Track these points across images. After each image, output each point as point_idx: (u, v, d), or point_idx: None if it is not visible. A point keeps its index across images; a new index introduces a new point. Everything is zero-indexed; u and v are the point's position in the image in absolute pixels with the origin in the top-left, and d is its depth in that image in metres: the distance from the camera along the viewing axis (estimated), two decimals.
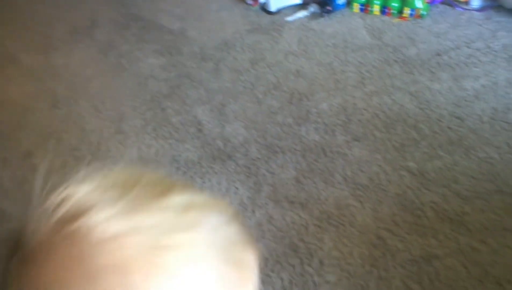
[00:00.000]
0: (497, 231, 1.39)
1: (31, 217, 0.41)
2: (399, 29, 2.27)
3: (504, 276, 1.28)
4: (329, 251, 1.40)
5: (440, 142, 1.69)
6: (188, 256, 0.40)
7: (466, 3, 2.34)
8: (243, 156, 1.74)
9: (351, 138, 1.74)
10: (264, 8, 2.51)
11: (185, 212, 0.41)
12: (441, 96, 1.87)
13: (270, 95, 1.98)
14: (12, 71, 2.32)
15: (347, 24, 2.37)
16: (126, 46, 2.42)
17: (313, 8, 2.44)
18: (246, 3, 2.57)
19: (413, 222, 1.44)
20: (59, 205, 0.41)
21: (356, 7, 2.43)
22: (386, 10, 2.37)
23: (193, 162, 1.73)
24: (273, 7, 2.47)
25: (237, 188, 1.63)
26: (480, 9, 2.31)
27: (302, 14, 2.45)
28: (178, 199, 0.42)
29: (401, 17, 2.35)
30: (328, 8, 2.39)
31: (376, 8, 2.39)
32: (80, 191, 0.41)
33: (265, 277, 1.34)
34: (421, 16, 2.32)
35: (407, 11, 2.33)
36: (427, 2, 2.34)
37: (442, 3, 2.39)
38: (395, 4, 2.35)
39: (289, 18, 2.44)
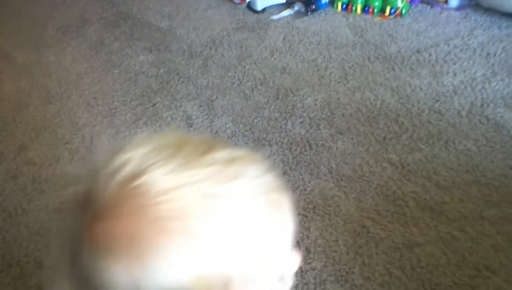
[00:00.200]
0: (475, 219, 1.42)
1: (98, 179, 0.44)
2: (381, 27, 2.30)
3: (482, 262, 1.31)
4: (315, 239, 1.42)
5: (420, 135, 1.71)
6: (236, 201, 0.43)
7: (445, 2, 2.36)
8: None
9: (335, 132, 1.76)
10: (250, 7, 2.52)
11: (229, 165, 0.45)
12: (421, 91, 1.90)
13: (257, 91, 2.00)
14: (5, 68, 2.31)
15: (330, 22, 2.38)
16: (116, 44, 2.41)
17: (298, 6, 2.45)
18: (233, 2, 2.58)
19: (395, 212, 1.46)
20: (122, 166, 0.44)
21: (339, 6, 2.45)
22: (368, 9, 2.39)
23: None
24: (259, 6, 2.47)
25: None
26: (458, 8, 2.34)
27: (287, 12, 2.46)
28: (221, 154, 0.45)
29: (382, 16, 2.37)
30: (312, 6, 2.41)
31: (359, 7, 2.41)
32: (138, 153, 0.45)
33: None
34: (401, 15, 2.35)
35: (388, 10, 2.35)
36: (407, 1, 2.36)
37: (422, 2, 2.42)
38: (377, 3, 2.37)
39: (275, 17, 2.45)
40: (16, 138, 1.92)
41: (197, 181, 0.43)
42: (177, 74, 2.15)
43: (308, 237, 1.42)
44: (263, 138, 1.77)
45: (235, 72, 2.12)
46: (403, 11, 2.34)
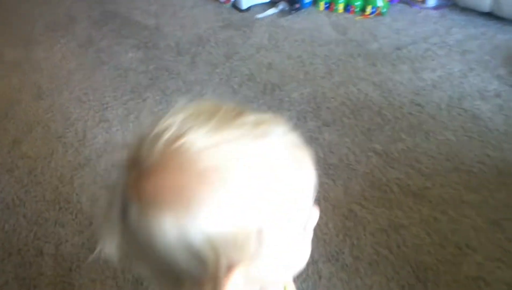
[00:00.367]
0: (456, 203, 1.51)
1: (145, 143, 0.49)
2: (362, 26, 2.39)
3: (463, 241, 1.40)
4: None
5: (402, 127, 1.80)
6: (266, 156, 0.49)
7: (423, 2, 2.47)
8: None
9: (321, 124, 1.83)
10: (235, 6, 2.59)
11: (257, 126, 0.50)
12: (402, 85, 1.99)
13: (245, 86, 2.07)
14: None
15: (313, 21, 2.47)
16: (104, 41, 2.47)
17: (282, 6, 2.53)
18: (218, 1, 2.65)
19: (380, 197, 1.54)
20: (165, 130, 0.49)
21: (321, 5, 2.53)
22: (350, 8, 2.48)
23: None
24: (244, 5, 2.55)
25: None
26: (435, 8, 2.44)
27: (271, 11, 2.54)
28: (250, 118, 0.51)
29: (363, 15, 2.46)
30: (296, 6, 2.49)
31: (340, 7, 2.50)
32: (178, 118, 0.50)
33: None
34: (381, 14, 2.44)
35: (369, 9, 2.45)
36: (387, 1, 2.46)
37: (401, 2, 2.52)
38: (358, 3, 2.46)
39: (260, 15, 2.52)
40: (9, 132, 1.96)
41: (231, 140, 0.49)
42: (166, 70, 2.21)
43: None
44: None
45: (223, 69, 2.18)
46: (384, 10, 2.43)
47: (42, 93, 2.14)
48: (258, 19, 2.51)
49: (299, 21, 2.47)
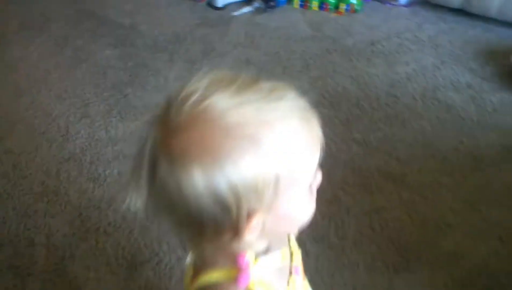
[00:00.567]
0: (433, 186, 1.63)
1: (172, 105, 0.58)
2: (337, 23, 2.52)
3: (442, 221, 1.52)
4: None
5: (379, 117, 1.92)
6: (282, 115, 0.58)
7: None
8: None
9: None
10: (211, 4, 2.69)
11: (272, 91, 0.59)
12: (377, 79, 2.12)
13: None
14: None
15: (289, 18, 2.58)
16: (81, 40, 2.53)
17: (257, 3, 2.64)
18: (194, 0, 2.75)
19: (362, 183, 1.66)
20: (191, 94, 0.57)
21: (296, 3, 2.66)
22: (324, 6, 2.61)
23: None
24: (220, 3, 2.65)
25: None
26: (407, 5, 2.59)
27: (247, 9, 2.65)
28: (266, 84, 0.60)
29: (337, 12, 2.59)
30: (271, 3, 2.60)
31: (315, 4, 2.62)
32: (202, 84, 0.58)
33: None
34: (355, 11, 2.57)
35: (342, 6, 2.58)
36: None
37: None
38: (332, 0, 2.59)
39: (235, 13, 2.63)
40: None
41: (251, 101, 0.57)
42: (145, 67, 2.30)
43: None
44: None
45: (201, 65, 2.28)
46: (357, 7, 2.57)
47: (20, 91, 2.20)
48: (234, 16, 2.62)
49: (275, 18, 2.59)
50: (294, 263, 0.78)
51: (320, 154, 0.64)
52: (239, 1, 2.69)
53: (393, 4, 2.60)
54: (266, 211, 0.59)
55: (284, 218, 0.63)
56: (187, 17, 2.66)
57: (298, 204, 0.64)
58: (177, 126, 0.57)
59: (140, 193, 0.60)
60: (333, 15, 2.58)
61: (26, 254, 1.54)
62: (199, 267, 0.68)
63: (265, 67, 2.23)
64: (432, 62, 2.19)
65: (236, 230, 0.59)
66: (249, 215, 0.58)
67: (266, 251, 0.68)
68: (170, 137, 0.57)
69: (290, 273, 0.76)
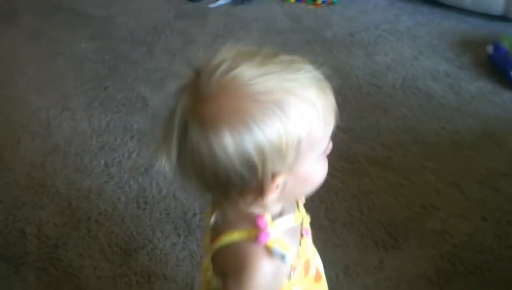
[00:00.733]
0: (417, 170, 1.77)
1: (202, 75, 0.67)
2: (315, 15, 2.64)
3: (426, 202, 1.65)
4: None
5: (362, 106, 2.05)
6: (302, 84, 0.68)
7: None
8: None
9: None
10: None
11: (292, 63, 0.70)
12: (358, 69, 2.25)
13: None
14: None
15: (266, 10, 2.70)
16: (55, 33, 2.60)
17: None
18: None
19: (349, 168, 1.78)
20: (219, 65, 0.67)
21: None
22: None
23: (146, 132, 1.97)
24: None
25: None
26: None
27: (223, 1, 2.75)
28: (285, 57, 0.70)
29: (315, 4, 2.72)
30: None
31: None
32: (229, 55, 0.68)
33: None
34: (332, 3, 2.71)
35: None
36: None
37: None
38: None
39: (212, 5, 2.73)
40: None
41: (274, 72, 0.67)
42: (124, 59, 2.38)
43: None
44: None
45: (182, 56, 2.37)
46: (334, 0, 2.70)
47: None
48: (211, 9, 2.72)
49: (252, 10, 2.70)
50: (304, 226, 0.89)
51: (335, 123, 0.74)
52: None
53: None
54: (288, 173, 0.69)
55: (302, 179, 0.73)
56: (163, 9, 2.75)
57: (315, 167, 0.74)
58: (207, 94, 0.66)
59: (171, 158, 0.69)
60: (310, 7, 2.70)
61: (18, 244, 1.62)
62: (220, 229, 0.77)
63: None
64: (410, 52, 2.34)
65: (260, 190, 0.68)
66: (273, 176, 0.67)
67: (280, 214, 0.78)
68: (201, 105, 0.66)
69: (301, 235, 0.87)
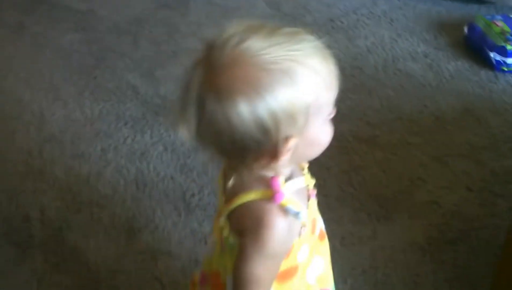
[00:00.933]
0: (403, 145, 1.86)
1: (215, 48, 0.73)
2: (294, 1, 2.72)
3: (414, 175, 1.75)
4: None
5: (346, 87, 2.09)
6: (306, 53, 0.74)
7: None
8: None
9: None
10: None
11: (295, 35, 0.75)
12: (340, 52, 2.33)
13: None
14: None
15: None
16: (38, 27, 2.63)
17: None
18: None
19: (338, 146, 1.86)
20: (230, 38, 0.72)
21: None
22: None
23: (138, 118, 2.03)
24: None
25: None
26: None
27: None
28: (289, 29, 0.76)
29: None
30: None
31: None
32: (238, 30, 0.74)
33: None
34: None
35: None
36: None
37: None
38: None
39: None
40: None
41: (280, 42, 0.73)
42: (110, 50, 2.43)
43: None
44: None
45: (168, 46, 2.43)
46: None
47: None
48: None
49: None
50: (310, 188, 0.97)
51: (337, 90, 0.81)
52: None
53: None
54: (299, 136, 0.75)
55: (311, 142, 0.80)
56: (143, 0, 2.79)
57: (322, 130, 0.81)
58: (221, 65, 0.72)
59: (190, 128, 0.75)
60: None
61: (22, 229, 1.67)
62: (236, 191, 0.83)
63: None
64: (389, 35, 2.43)
65: (274, 153, 0.75)
66: (286, 139, 0.74)
67: (290, 177, 0.85)
68: (215, 76, 0.72)
69: (308, 197, 0.94)
